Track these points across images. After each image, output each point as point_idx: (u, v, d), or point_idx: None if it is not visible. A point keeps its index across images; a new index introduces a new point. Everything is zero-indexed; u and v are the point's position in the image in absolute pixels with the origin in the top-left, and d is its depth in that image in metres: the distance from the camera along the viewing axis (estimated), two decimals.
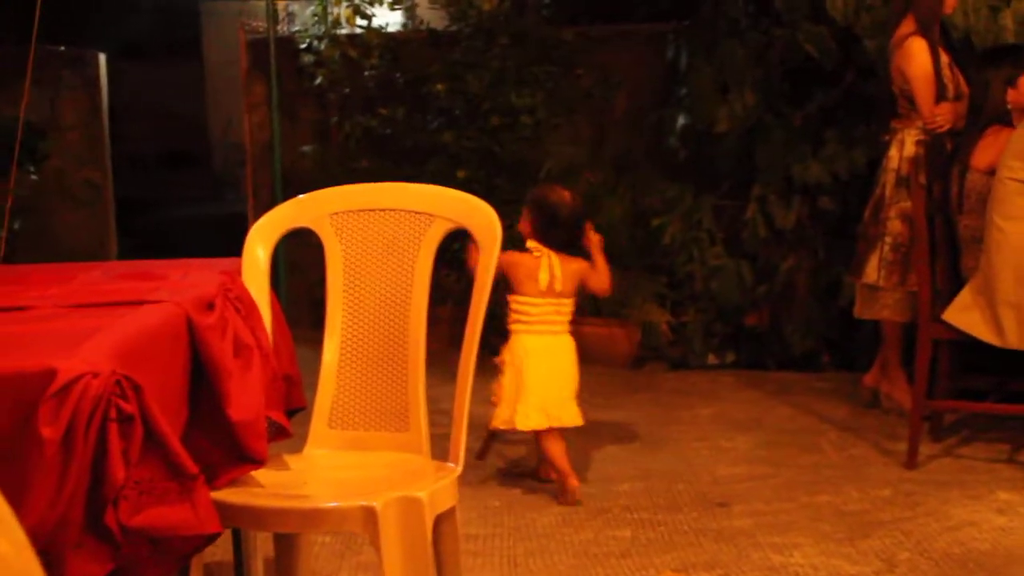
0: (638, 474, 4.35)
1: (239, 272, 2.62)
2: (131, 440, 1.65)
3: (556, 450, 4.02)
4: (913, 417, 4.35)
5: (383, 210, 2.65)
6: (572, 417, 4.04)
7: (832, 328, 5.78)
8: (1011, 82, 4.39)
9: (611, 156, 6.58)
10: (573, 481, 4.00)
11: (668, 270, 6.01)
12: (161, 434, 1.70)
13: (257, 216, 7.38)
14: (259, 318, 2.52)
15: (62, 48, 7.60)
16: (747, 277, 5.79)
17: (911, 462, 4.33)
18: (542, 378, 4.03)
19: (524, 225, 4.17)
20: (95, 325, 1.88)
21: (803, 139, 5.63)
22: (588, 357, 6.08)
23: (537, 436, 4.07)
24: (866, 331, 5.70)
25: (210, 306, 2.30)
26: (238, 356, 2.32)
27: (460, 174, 6.22)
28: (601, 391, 5.58)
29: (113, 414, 1.62)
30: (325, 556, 3.57)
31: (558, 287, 4.06)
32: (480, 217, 2.56)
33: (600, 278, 4.11)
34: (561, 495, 4.02)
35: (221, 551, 2.99)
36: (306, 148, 6.96)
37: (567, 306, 4.14)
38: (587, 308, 6.06)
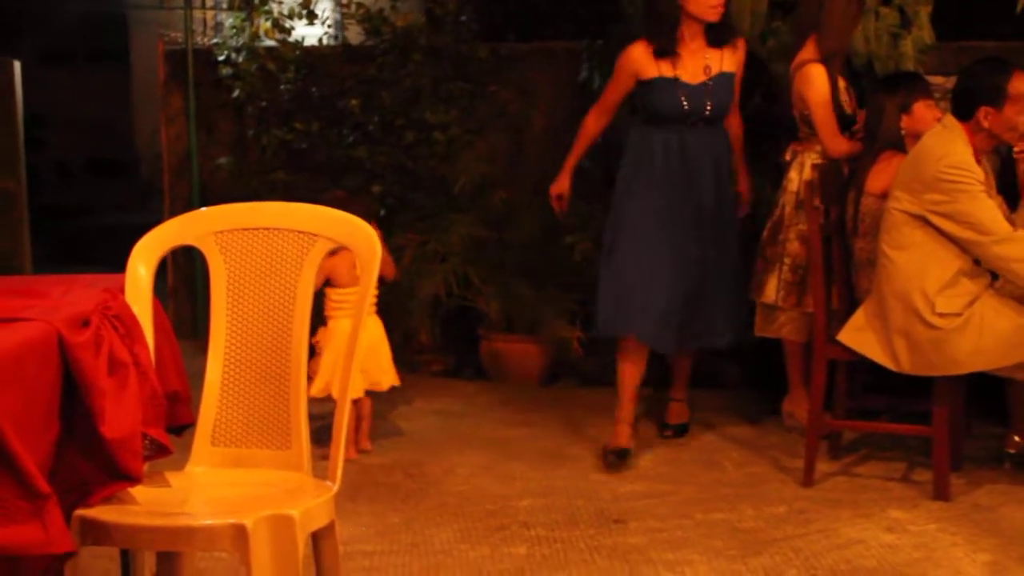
0: (540, 490, 4.39)
1: (122, 289, 2.63)
2: None
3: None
4: (809, 436, 4.44)
5: (267, 229, 2.67)
6: (391, 379, 4.93)
7: (739, 345, 5.84)
8: (905, 108, 4.50)
9: (527, 173, 6.62)
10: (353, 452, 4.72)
11: (581, 287, 6.05)
12: (13, 454, 1.71)
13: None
14: (140, 336, 2.53)
15: None
16: None
17: (807, 480, 4.41)
18: (362, 353, 4.66)
19: None
20: None
21: None
22: (501, 373, 6.17)
23: (355, 403, 4.78)
24: (770, 348, 5.80)
25: (84, 323, 2.30)
26: (113, 374, 2.33)
27: (375, 189, 6.25)
28: (511, 407, 5.64)
29: None
30: (219, 571, 3.57)
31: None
32: (360, 236, 2.59)
33: (389, 265, 4.89)
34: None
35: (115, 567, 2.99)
36: (223, 160, 6.94)
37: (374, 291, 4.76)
38: (501, 325, 6.11)
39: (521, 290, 6.07)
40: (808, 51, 4.79)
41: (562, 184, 5.10)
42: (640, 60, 4.73)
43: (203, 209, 2.76)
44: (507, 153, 6.81)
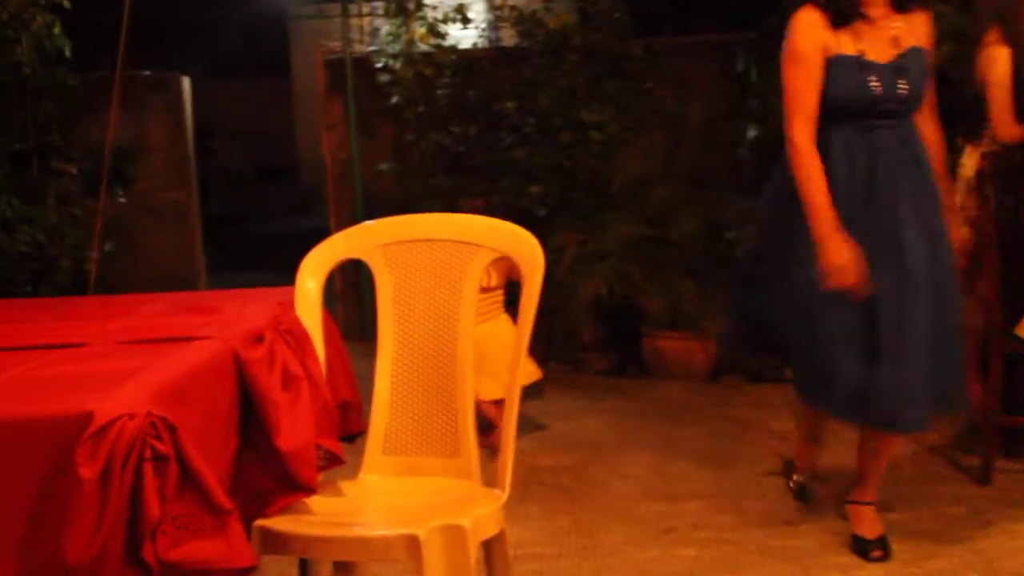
0: (708, 491, 4.34)
1: (292, 303, 2.69)
2: (166, 478, 1.71)
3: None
4: (987, 433, 4.28)
5: (431, 240, 2.69)
6: (528, 374, 4.84)
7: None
8: None
9: (685, 168, 6.57)
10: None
11: None
12: (196, 472, 1.76)
13: (339, 229, 7.51)
14: (311, 349, 2.58)
15: (147, 73, 7.80)
16: None
17: (985, 478, 4.26)
18: (494, 355, 4.70)
19: None
20: (140, 365, 1.96)
21: None
22: (664, 370, 6.14)
23: (495, 404, 4.71)
24: None
25: (259, 339, 2.36)
26: (287, 388, 2.38)
27: (533, 190, 6.28)
28: (676, 405, 5.60)
29: (148, 454, 1.69)
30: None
31: (493, 282, 4.89)
32: (524, 247, 2.60)
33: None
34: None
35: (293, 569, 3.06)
36: (384, 166, 7.06)
37: (499, 295, 4.98)
38: (663, 322, 6.08)
39: (683, 287, 6.03)
40: (993, 34, 4.61)
41: (841, 251, 3.40)
42: (817, 30, 3.53)
43: (368, 223, 2.80)
44: (664, 148, 6.77)
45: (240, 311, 2.59)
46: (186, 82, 8.10)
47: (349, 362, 2.94)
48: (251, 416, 2.29)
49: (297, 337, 2.54)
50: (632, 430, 5.23)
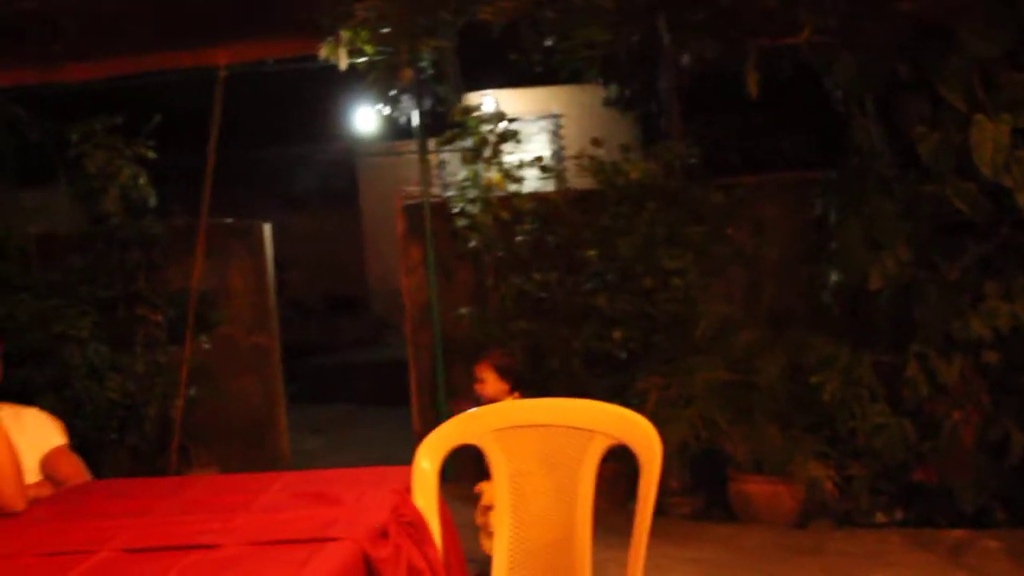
0: None
1: (408, 489, 2.73)
2: None
3: None
4: None
5: (545, 426, 2.73)
6: None
7: (1004, 483, 5.62)
8: None
9: (765, 310, 6.59)
10: None
11: (829, 427, 5.94)
12: None
13: (419, 373, 7.58)
14: (430, 538, 2.61)
15: (229, 220, 7.99)
16: (911, 433, 5.69)
17: None
18: None
19: (490, 387, 4.88)
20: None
21: (961, 294, 5.55)
22: (751, 515, 6.07)
23: None
24: None
25: (384, 535, 2.40)
26: None
27: (616, 335, 6.31)
28: (767, 554, 5.52)
29: None
30: None
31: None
32: (639, 433, 2.62)
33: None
34: None
35: None
36: (464, 310, 7.14)
37: None
38: (749, 466, 6.03)
39: (769, 431, 5.99)
40: None
41: None
42: None
43: (482, 407, 2.84)
44: (743, 290, 6.79)
45: (361, 501, 2.62)
46: (267, 228, 8.28)
47: (460, 544, 2.97)
48: None
49: (417, 527, 2.58)
50: None
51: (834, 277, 6.15)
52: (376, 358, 13.14)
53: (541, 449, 2.72)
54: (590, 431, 2.68)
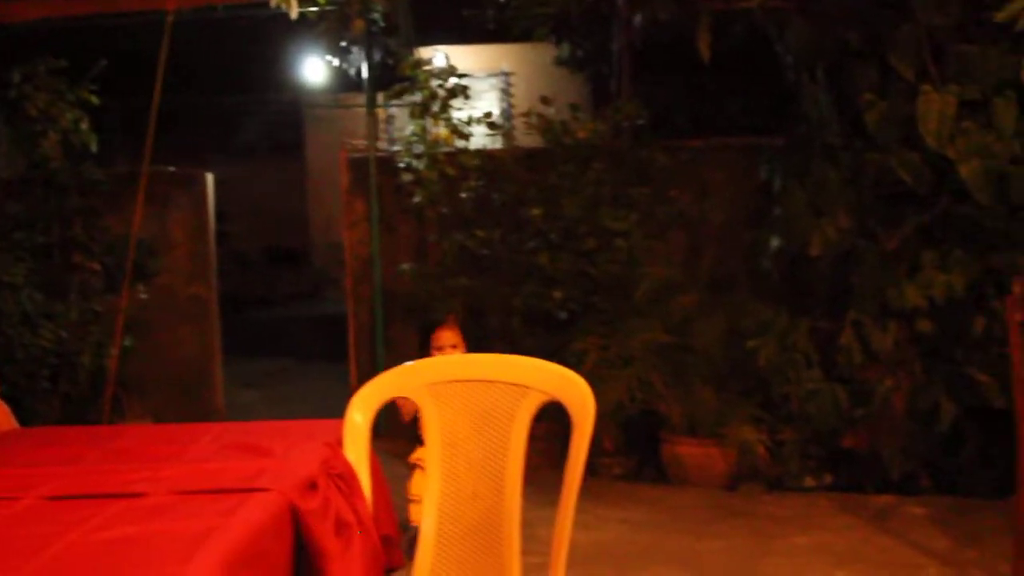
0: None
1: (340, 442, 2.71)
2: None
3: None
4: (1017, 556, 4.25)
5: (480, 381, 2.72)
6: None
7: (932, 451, 5.70)
8: None
9: (706, 274, 6.62)
10: None
11: (763, 391, 5.99)
12: None
13: (358, 328, 7.54)
14: (359, 491, 2.60)
15: (172, 169, 7.88)
16: (843, 400, 5.75)
17: None
18: None
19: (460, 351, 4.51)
20: (204, 526, 1.97)
21: (898, 263, 5.60)
22: (683, 477, 6.12)
23: None
24: (967, 454, 5.64)
25: (312, 487, 2.38)
26: (339, 535, 2.39)
27: (556, 294, 6.31)
28: (697, 516, 5.58)
29: None
30: None
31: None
32: (574, 391, 2.61)
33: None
34: None
35: None
36: (405, 266, 7.11)
37: None
38: (683, 429, 6.08)
39: (704, 394, 6.04)
40: None
41: None
42: None
43: (417, 362, 2.82)
44: (684, 251, 6.82)
45: (291, 453, 2.60)
46: (210, 178, 8.17)
47: (390, 496, 2.96)
48: (305, 565, 2.30)
49: (347, 480, 2.56)
50: (653, 543, 5.20)
51: (775, 243, 6.19)
52: (316, 312, 13.10)
53: (475, 404, 2.71)
54: (524, 387, 2.67)
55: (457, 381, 2.74)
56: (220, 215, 10.32)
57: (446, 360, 2.80)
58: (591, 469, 6.40)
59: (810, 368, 5.83)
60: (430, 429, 2.75)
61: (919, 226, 5.61)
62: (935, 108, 5.33)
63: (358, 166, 7.54)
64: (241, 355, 11.69)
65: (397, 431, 4.52)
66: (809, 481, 5.97)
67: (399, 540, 2.94)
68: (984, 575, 4.60)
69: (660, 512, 5.68)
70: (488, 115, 6.90)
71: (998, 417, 5.25)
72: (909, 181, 5.48)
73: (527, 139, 7.07)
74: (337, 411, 2.82)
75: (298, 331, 12.77)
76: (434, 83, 7.06)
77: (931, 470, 5.77)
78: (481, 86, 11.40)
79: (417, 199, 7.04)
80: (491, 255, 6.61)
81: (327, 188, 14.44)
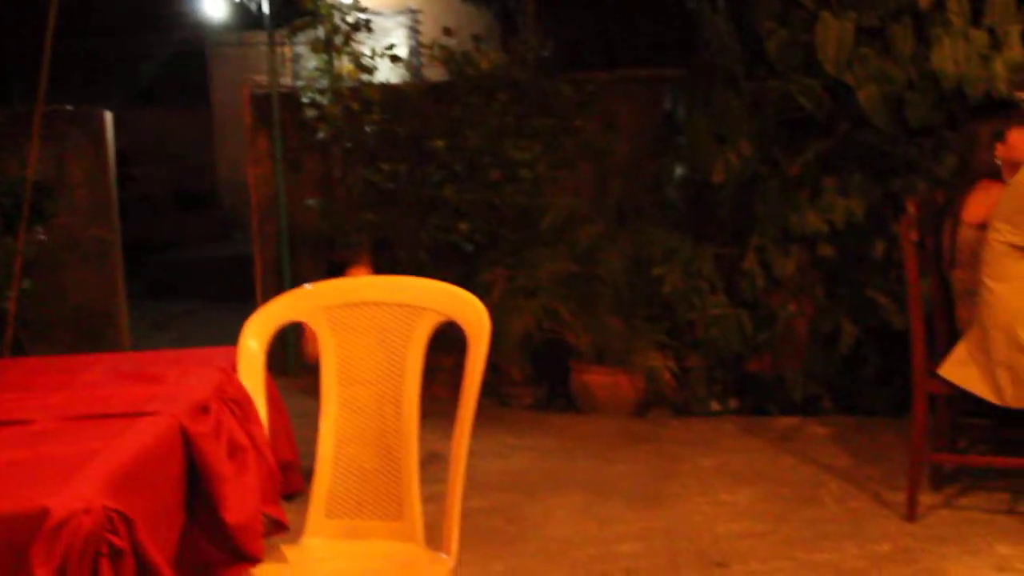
0: (640, 533, 4.38)
1: (234, 367, 2.68)
2: (122, 573, 1.71)
3: None
4: (912, 470, 4.37)
5: (375, 303, 2.70)
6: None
7: (834, 372, 5.82)
8: (1000, 137, 4.42)
9: (613, 205, 6.64)
10: None
11: (670, 318, 6.06)
12: (151, 562, 1.76)
13: (264, 266, 7.46)
14: (255, 415, 2.58)
15: (68, 107, 7.70)
16: (747, 325, 5.83)
17: (911, 515, 4.35)
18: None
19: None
20: (90, 448, 1.95)
21: (800, 189, 5.68)
22: (592, 405, 6.18)
23: None
24: (867, 375, 5.76)
25: (204, 410, 2.36)
26: (233, 459, 2.38)
27: (462, 226, 6.30)
28: (604, 442, 5.64)
29: (104, 549, 1.68)
30: None
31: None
32: (469, 311, 2.61)
33: None
34: None
35: None
36: (311, 201, 7.04)
37: None
38: (591, 357, 6.13)
39: (611, 322, 6.08)
40: None
41: None
42: None
43: (312, 285, 2.80)
44: (592, 185, 6.83)
45: (183, 379, 2.58)
46: (108, 116, 8.00)
47: (288, 419, 2.95)
48: (197, 489, 2.28)
49: (241, 404, 2.54)
50: (562, 468, 5.25)
51: (679, 172, 6.23)
52: (225, 254, 12.90)
53: (371, 327, 2.70)
54: (420, 308, 2.67)
55: (352, 304, 2.73)
56: (125, 158, 10.12)
57: (341, 283, 2.78)
58: (501, 400, 6.46)
59: (715, 294, 5.91)
60: (326, 353, 2.73)
61: (820, 152, 5.68)
62: (833, 35, 5.39)
63: (261, 102, 7.42)
64: (150, 298, 11.54)
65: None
66: (715, 406, 6.06)
67: (300, 466, 2.94)
68: (882, 489, 4.72)
69: (569, 439, 5.74)
70: (391, 47, 6.82)
71: (897, 338, 5.37)
72: (809, 108, 5.55)
73: (435, 74, 7.01)
74: None
75: (208, 273, 12.59)
76: (337, 17, 6.95)
77: (833, 391, 5.89)
78: (389, 23, 11.27)
79: (321, 135, 6.96)
80: (397, 189, 6.57)
81: (234, 129, 14.18)
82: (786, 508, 4.61)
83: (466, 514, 4.59)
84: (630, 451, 5.47)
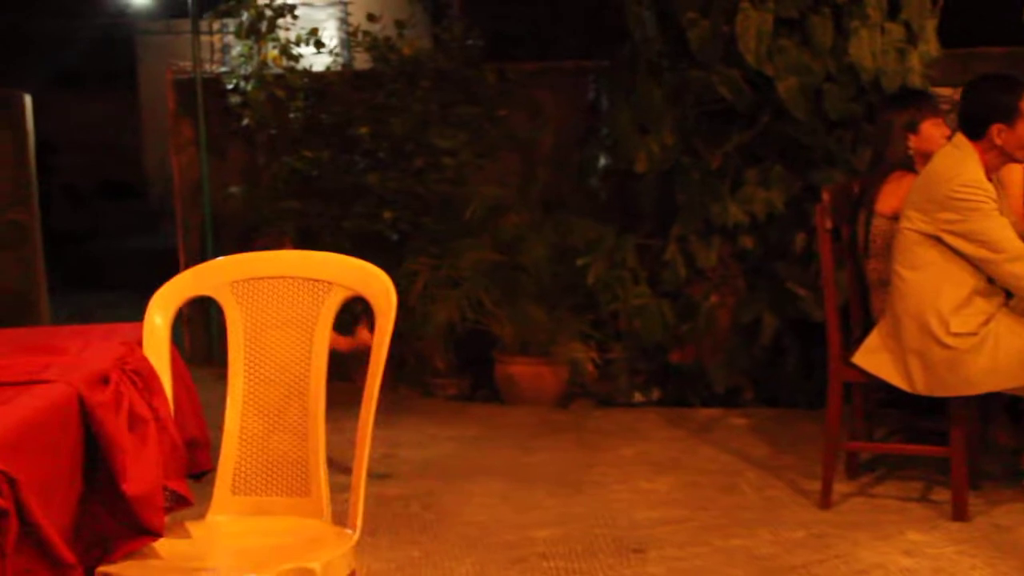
0: (558, 519, 4.38)
1: (139, 341, 2.64)
2: (5, 533, 1.67)
3: None
4: (826, 458, 4.42)
5: (282, 277, 2.68)
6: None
7: (755, 364, 5.86)
8: (912, 128, 4.49)
9: (538, 195, 6.65)
10: None
11: (593, 309, 6.07)
12: (37, 525, 1.72)
13: (187, 255, 7.39)
14: (159, 388, 2.54)
15: None
16: (669, 315, 5.86)
17: (825, 503, 4.40)
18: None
19: None
20: None
21: (721, 180, 5.71)
22: (516, 396, 6.18)
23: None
24: (788, 367, 5.81)
25: (104, 381, 2.32)
26: (133, 430, 2.34)
27: (386, 215, 6.27)
28: (526, 431, 5.65)
29: None
30: None
31: None
32: (376, 285, 2.60)
33: None
34: None
35: None
36: (234, 189, 6.97)
37: None
38: (515, 348, 6.13)
39: (534, 313, 6.08)
40: None
41: None
42: None
43: (218, 259, 2.77)
44: (517, 175, 6.84)
45: (84, 351, 2.53)
46: (28, 100, 7.86)
47: (197, 398, 2.90)
48: (97, 460, 2.24)
49: (144, 377, 2.49)
50: (483, 457, 5.25)
51: (603, 161, 6.25)
52: (153, 245, 12.77)
53: (278, 302, 2.67)
54: (328, 283, 2.64)
55: (259, 278, 2.70)
56: (49, 147, 9.95)
57: (248, 257, 2.75)
58: (424, 390, 6.44)
59: (637, 284, 5.93)
60: (233, 328, 2.70)
61: (741, 144, 5.72)
62: (753, 26, 5.43)
63: (184, 88, 7.34)
64: (74, 289, 11.35)
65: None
66: (638, 397, 6.08)
67: (209, 445, 2.90)
68: (799, 477, 4.77)
69: (491, 429, 5.74)
70: (315, 31, 6.77)
71: (816, 330, 5.42)
72: (730, 98, 5.59)
73: (364, 63, 6.97)
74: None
75: (134, 264, 12.41)
76: (261, 2, 6.89)
77: (754, 382, 5.93)
78: (320, 15, 11.19)
79: (246, 121, 6.89)
80: (321, 176, 6.52)
81: (162, 119, 14.02)
82: (704, 496, 4.64)
83: (385, 501, 4.62)
84: (551, 440, 5.48)
